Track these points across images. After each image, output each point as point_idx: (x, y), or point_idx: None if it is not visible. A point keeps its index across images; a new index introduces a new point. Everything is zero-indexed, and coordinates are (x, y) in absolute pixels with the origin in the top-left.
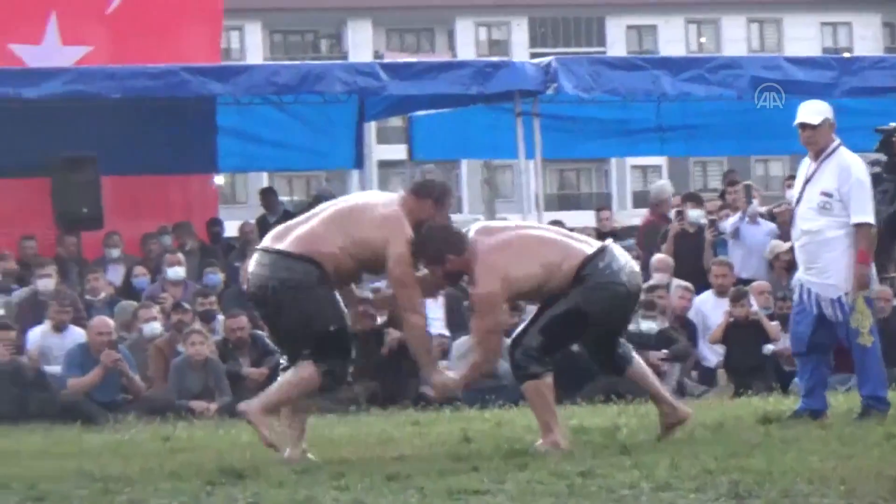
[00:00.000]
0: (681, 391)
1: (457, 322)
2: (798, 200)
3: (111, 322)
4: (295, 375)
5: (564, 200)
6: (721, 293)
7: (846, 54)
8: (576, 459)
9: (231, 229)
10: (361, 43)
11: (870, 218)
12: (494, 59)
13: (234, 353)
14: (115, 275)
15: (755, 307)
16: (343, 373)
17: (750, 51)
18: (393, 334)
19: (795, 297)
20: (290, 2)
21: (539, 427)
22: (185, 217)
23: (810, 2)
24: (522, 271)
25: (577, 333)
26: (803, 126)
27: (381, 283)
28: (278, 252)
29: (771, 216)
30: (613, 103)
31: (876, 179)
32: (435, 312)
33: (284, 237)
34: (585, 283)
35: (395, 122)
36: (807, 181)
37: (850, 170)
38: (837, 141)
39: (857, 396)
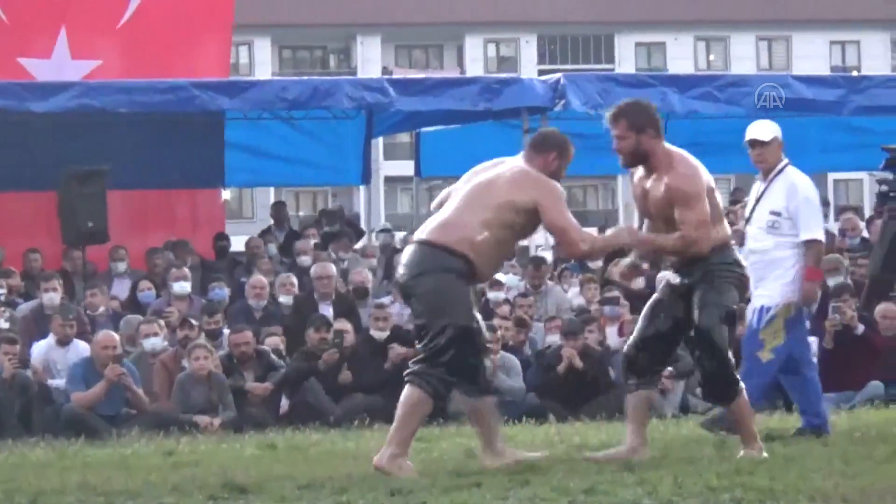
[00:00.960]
0: (684, 408)
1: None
2: (748, 220)
3: (116, 336)
4: (406, 404)
5: None
6: None
7: (854, 73)
8: (579, 476)
9: (237, 244)
10: (370, 59)
11: (819, 235)
12: (503, 75)
13: (239, 368)
14: (121, 289)
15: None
16: (448, 388)
17: (758, 69)
18: (396, 349)
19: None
20: (300, 17)
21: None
22: (192, 231)
23: (819, 20)
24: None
25: None
26: (753, 143)
27: (386, 299)
28: (425, 243)
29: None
30: None
31: (883, 198)
32: None
33: (430, 229)
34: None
35: (403, 138)
36: (757, 201)
37: (797, 188)
38: (786, 160)
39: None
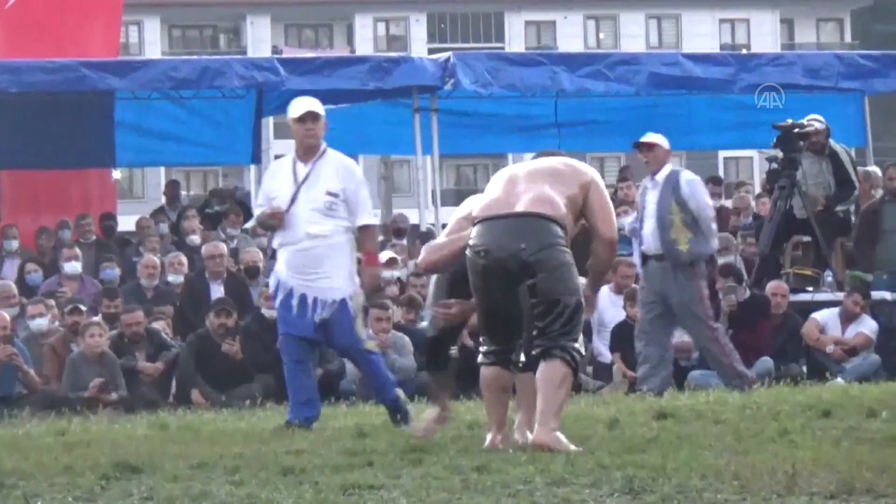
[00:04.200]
0: (576, 386)
1: None
2: (292, 201)
3: (6, 316)
4: (554, 378)
5: (461, 196)
6: (619, 291)
7: (744, 51)
8: (471, 454)
9: (128, 224)
10: (260, 38)
11: (375, 220)
12: (393, 54)
13: (130, 348)
14: (11, 269)
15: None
16: (580, 358)
17: (648, 47)
18: None
19: (279, 300)
20: None
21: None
22: (83, 211)
23: None
24: None
25: None
26: (303, 119)
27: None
28: (533, 215)
29: None
30: (511, 99)
31: (774, 175)
32: None
33: (513, 203)
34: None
35: None
36: (303, 181)
37: (353, 170)
38: (325, 144)
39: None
